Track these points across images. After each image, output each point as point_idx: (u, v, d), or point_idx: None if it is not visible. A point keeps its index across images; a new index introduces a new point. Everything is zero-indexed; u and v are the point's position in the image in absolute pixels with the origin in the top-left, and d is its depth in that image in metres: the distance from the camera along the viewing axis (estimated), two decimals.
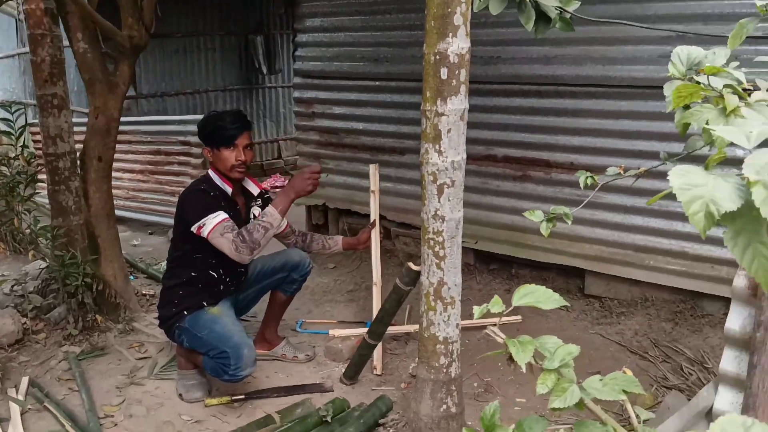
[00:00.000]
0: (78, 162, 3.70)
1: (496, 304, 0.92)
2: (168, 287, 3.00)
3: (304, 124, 5.01)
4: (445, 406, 2.37)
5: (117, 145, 3.78)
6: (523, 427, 0.88)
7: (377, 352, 3.14)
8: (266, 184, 7.51)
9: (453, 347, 2.35)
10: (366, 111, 4.59)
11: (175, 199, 5.49)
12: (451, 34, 2.11)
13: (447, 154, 2.19)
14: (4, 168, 4.40)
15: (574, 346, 0.89)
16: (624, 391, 0.90)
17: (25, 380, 3.08)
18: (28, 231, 4.35)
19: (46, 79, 3.56)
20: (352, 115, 4.67)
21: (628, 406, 0.91)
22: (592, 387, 0.86)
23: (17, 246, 4.91)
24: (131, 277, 4.22)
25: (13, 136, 4.22)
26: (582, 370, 0.95)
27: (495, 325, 0.88)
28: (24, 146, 4.35)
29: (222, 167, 2.90)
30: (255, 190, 3.11)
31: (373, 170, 3.38)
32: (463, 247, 2.34)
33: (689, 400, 2.21)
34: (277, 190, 7.39)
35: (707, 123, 1.03)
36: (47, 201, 3.84)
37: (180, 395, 2.98)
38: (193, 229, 2.77)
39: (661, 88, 1.24)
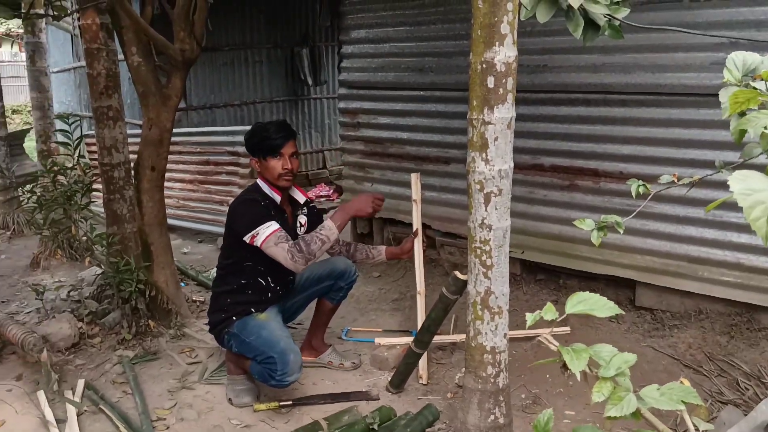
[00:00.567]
0: (132, 172, 3.81)
1: (549, 311, 0.91)
2: (218, 294, 3.07)
3: (349, 134, 5.06)
4: (492, 417, 2.35)
5: (168, 156, 3.88)
6: None
7: (423, 362, 3.13)
8: (311, 194, 7.59)
9: (501, 357, 2.34)
10: (411, 121, 4.61)
11: (224, 208, 5.67)
12: (498, 43, 2.11)
13: (494, 163, 2.19)
14: (61, 177, 4.56)
15: (630, 355, 0.88)
16: (682, 401, 0.88)
17: (81, 383, 3.18)
18: (84, 238, 4.50)
19: (101, 91, 3.69)
20: (396, 124, 4.70)
21: (686, 416, 0.89)
22: (650, 396, 0.85)
23: (73, 253, 5.09)
24: (182, 284, 4.32)
25: (70, 147, 4.38)
26: (634, 383, 0.93)
27: (549, 332, 0.88)
28: (80, 156, 4.51)
29: (270, 176, 2.96)
30: (301, 199, 3.17)
31: (414, 179, 3.38)
32: (509, 257, 2.32)
33: (746, 416, 2.14)
34: (322, 199, 7.48)
35: (766, 129, 1.01)
36: (102, 210, 3.97)
37: (229, 400, 3.03)
38: (246, 238, 2.83)
39: (714, 95, 1.22)
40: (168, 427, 2.86)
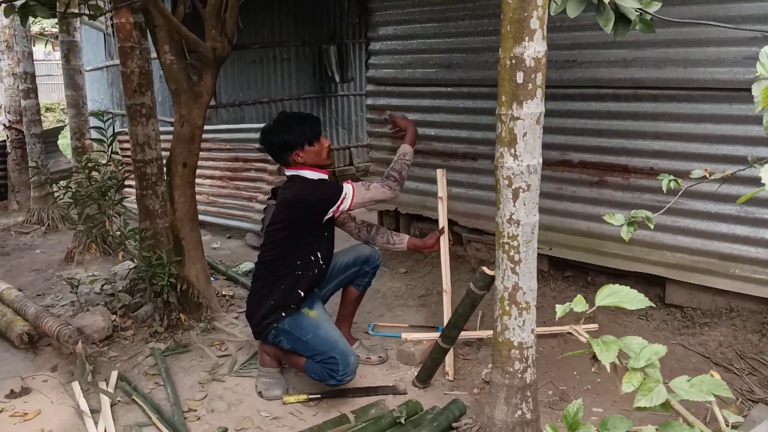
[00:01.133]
0: (164, 168, 3.88)
1: (579, 303, 0.92)
2: (263, 287, 3.04)
3: (376, 130, 5.08)
4: (520, 412, 2.36)
5: (199, 152, 3.94)
6: (608, 425, 0.88)
7: (449, 357, 3.14)
8: None
9: (528, 353, 2.34)
10: (438, 117, 4.61)
11: (252, 205, 5.73)
12: (527, 38, 2.11)
13: (523, 158, 2.19)
14: (95, 174, 4.66)
15: (660, 346, 0.88)
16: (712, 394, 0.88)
17: (114, 374, 3.26)
18: (118, 233, 4.59)
19: (135, 89, 3.77)
20: (424, 121, 4.70)
21: (716, 409, 0.89)
22: (680, 387, 0.85)
23: (107, 248, 5.20)
24: (212, 279, 4.38)
25: (104, 144, 4.47)
26: (663, 380, 0.93)
27: (579, 324, 0.89)
28: (114, 153, 4.60)
29: (318, 159, 3.06)
30: None
31: (440, 175, 3.39)
32: (537, 254, 2.32)
33: None
34: None
35: None
36: (135, 205, 4.05)
37: (259, 392, 3.08)
38: (331, 211, 2.96)
39: (747, 90, 1.21)
40: (199, 418, 2.92)
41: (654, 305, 1.09)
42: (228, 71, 7.30)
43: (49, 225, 6.46)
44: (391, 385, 3.13)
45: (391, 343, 3.59)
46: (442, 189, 3.38)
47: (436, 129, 4.62)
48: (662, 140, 3.51)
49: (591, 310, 0.93)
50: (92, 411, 2.95)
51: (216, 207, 6.15)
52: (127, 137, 4.25)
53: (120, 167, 5.12)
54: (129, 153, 4.00)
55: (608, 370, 0.88)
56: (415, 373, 3.16)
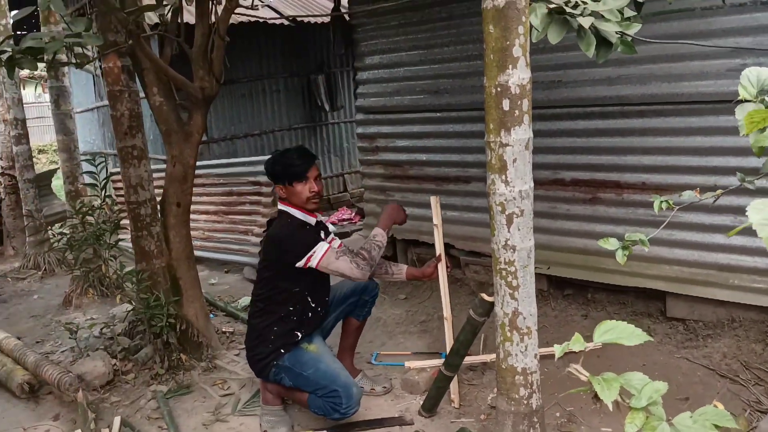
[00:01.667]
0: (158, 208, 3.88)
1: (577, 343, 0.92)
2: (260, 326, 3.03)
3: (368, 158, 5.10)
4: None
5: (193, 191, 3.94)
6: None
7: (454, 384, 3.12)
8: (334, 218, 7.65)
9: (532, 378, 2.32)
10: (429, 142, 4.64)
11: (248, 238, 5.73)
12: (511, 66, 2.14)
13: (514, 184, 2.20)
14: (90, 218, 4.65)
15: (661, 384, 0.88)
16: (715, 425, 0.88)
17: (117, 420, 3.22)
18: (114, 276, 4.57)
19: (126, 132, 3.78)
20: (415, 147, 4.73)
21: None
22: (683, 425, 0.85)
23: (104, 290, 5.17)
24: (211, 316, 4.36)
25: (97, 188, 4.47)
26: (670, 397, 0.94)
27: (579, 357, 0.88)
28: (108, 196, 4.60)
29: (298, 201, 2.99)
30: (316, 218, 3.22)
31: (434, 202, 3.38)
32: (535, 273, 2.32)
33: None
34: (345, 222, 7.52)
35: None
36: (130, 245, 4.04)
37: (264, 431, 3.04)
38: (299, 264, 2.87)
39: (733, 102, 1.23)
40: None
41: (652, 339, 1.08)
42: (218, 106, 7.35)
43: (45, 269, 6.43)
44: (397, 416, 3.11)
45: (395, 372, 3.57)
46: (436, 216, 3.38)
47: (428, 154, 4.65)
48: (652, 155, 3.54)
49: (589, 348, 0.92)
50: None
51: (212, 242, 6.14)
52: (119, 177, 4.25)
53: (114, 207, 5.12)
54: (122, 193, 4.00)
55: (610, 409, 0.88)
56: (421, 402, 3.13)
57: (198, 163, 3.97)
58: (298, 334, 3.00)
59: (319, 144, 8.54)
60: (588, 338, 3.31)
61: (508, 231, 2.23)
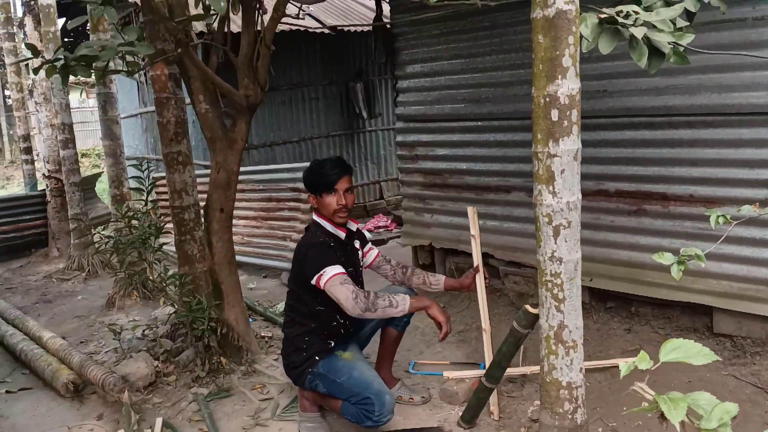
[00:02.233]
0: (201, 213, 3.95)
1: (642, 360, 0.90)
2: (292, 335, 3.08)
3: (407, 166, 5.10)
4: None
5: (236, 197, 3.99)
6: None
7: (494, 396, 3.09)
8: (370, 225, 7.67)
9: (577, 392, 2.29)
10: (469, 151, 4.62)
11: (287, 243, 5.78)
12: (560, 76, 2.12)
13: (562, 195, 2.18)
14: (135, 222, 4.75)
15: (732, 405, 0.86)
16: None
17: (159, 421, 3.28)
18: (158, 279, 4.66)
19: (171, 138, 3.86)
20: (455, 155, 4.71)
21: None
22: None
23: (147, 293, 5.28)
24: (250, 320, 4.41)
25: (143, 192, 4.57)
26: None
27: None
28: (153, 201, 4.70)
29: (326, 212, 3.01)
30: (353, 227, 3.21)
31: (471, 213, 3.36)
32: None
33: None
34: (381, 230, 7.53)
35: None
36: (172, 250, 4.11)
37: None
38: (313, 281, 2.87)
39: None
40: None
41: (719, 359, 1.06)
42: (258, 113, 7.38)
43: (89, 271, 6.58)
44: (436, 426, 3.09)
45: (433, 381, 3.55)
46: (474, 227, 3.36)
47: (468, 163, 4.62)
48: (700, 167, 3.46)
49: (655, 366, 0.91)
50: None
51: (251, 247, 6.21)
52: (162, 182, 4.34)
53: (156, 212, 5.22)
54: (165, 197, 4.07)
55: (678, 430, 0.86)
56: (459, 413, 3.11)
57: None
58: (331, 342, 3.02)
59: (356, 151, 8.58)
60: (631, 353, 3.26)
61: (555, 242, 2.20)
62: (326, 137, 8.28)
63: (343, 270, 2.86)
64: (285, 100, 7.83)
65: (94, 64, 2.83)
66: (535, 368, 3.26)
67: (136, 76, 9.09)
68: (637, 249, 3.74)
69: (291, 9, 3.98)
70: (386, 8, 5.51)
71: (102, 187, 9.82)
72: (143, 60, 3.42)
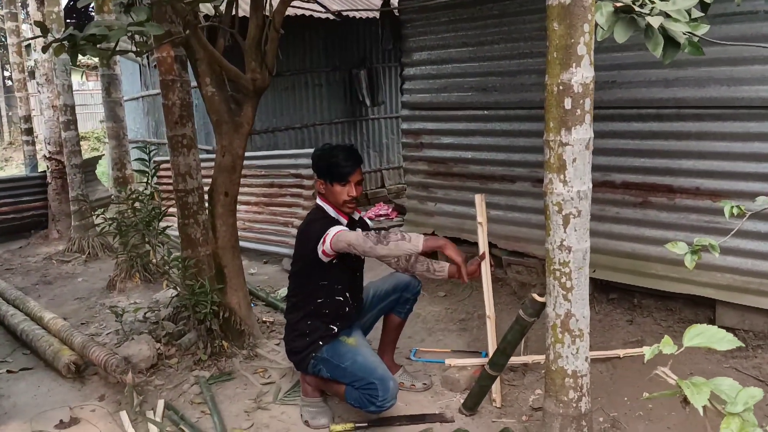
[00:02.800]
0: (205, 197, 3.93)
1: (667, 345, 0.90)
2: (295, 320, 3.08)
3: (412, 154, 5.10)
4: None
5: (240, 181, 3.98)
6: None
7: (496, 384, 3.10)
8: (371, 213, 7.66)
9: (582, 381, 2.30)
10: (475, 140, 4.61)
11: (288, 230, 5.77)
12: (575, 64, 2.11)
13: (572, 184, 2.18)
14: (138, 204, 4.74)
15: (756, 390, 0.86)
16: None
17: (161, 403, 3.28)
18: (161, 262, 4.65)
19: (176, 121, 3.84)
20: (460, 144, 4.70)
21: None
22: None
23: (148, 276, 5.27)
24: (252, 305, 4.40)
25: (147, 174, 4.55)
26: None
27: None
28: (156, 184, 4.68)
29: (334, 201, 3.00)
30: (356, 215, 3.21)
31: (479, 200, 3.34)
32: None
33: None
34: (382, 218, 7.53)
35: None
36: (175, 233, 4.10)
37: (306, 422, 3.06)
38: (319, 248, 2.86)
39: None
40: None
41: (743, 344, 1.06)
42: (261, 98, 7.40)
43: (89, 253, 6.57)
44: (438, 412, 3.10)
45: (435, 368, 3.56)
46: (481, 214, 3.34)
47: (473, 152, 4.62)
48: (708, 159, 3.46)
49: (679, 351, 0.91)
50: None
51: (252, 232, 6.20)
52: (165, 166, 4.32)
53: (161, 197, 5.20)
54: (165, 181, 4.06)
55: (701, 413, 0.86)
56: (461, 400, 3.12)
57: None
58: (334, 327, 3.02)
59: (359, 139, 8.56)
60: (633, 344, 3.25)
61: (564, 231, 2.20)
62: (329, 124, 8.25)
63: (344, 227, 2.88)
64: (288, 85, 7.79)
65: (102, 45, 2.81)
66: (537, 357, 3.27)
67: (139, 58, 9.05)
68: (642, 241, 3.74)
69: None
70: None
71: (101, 170, 9.79)
72: (151, 41, 3.39)
